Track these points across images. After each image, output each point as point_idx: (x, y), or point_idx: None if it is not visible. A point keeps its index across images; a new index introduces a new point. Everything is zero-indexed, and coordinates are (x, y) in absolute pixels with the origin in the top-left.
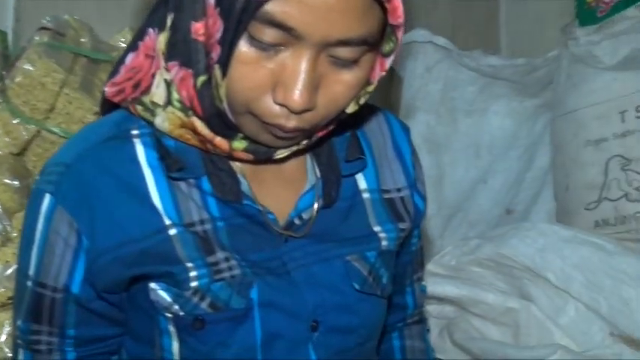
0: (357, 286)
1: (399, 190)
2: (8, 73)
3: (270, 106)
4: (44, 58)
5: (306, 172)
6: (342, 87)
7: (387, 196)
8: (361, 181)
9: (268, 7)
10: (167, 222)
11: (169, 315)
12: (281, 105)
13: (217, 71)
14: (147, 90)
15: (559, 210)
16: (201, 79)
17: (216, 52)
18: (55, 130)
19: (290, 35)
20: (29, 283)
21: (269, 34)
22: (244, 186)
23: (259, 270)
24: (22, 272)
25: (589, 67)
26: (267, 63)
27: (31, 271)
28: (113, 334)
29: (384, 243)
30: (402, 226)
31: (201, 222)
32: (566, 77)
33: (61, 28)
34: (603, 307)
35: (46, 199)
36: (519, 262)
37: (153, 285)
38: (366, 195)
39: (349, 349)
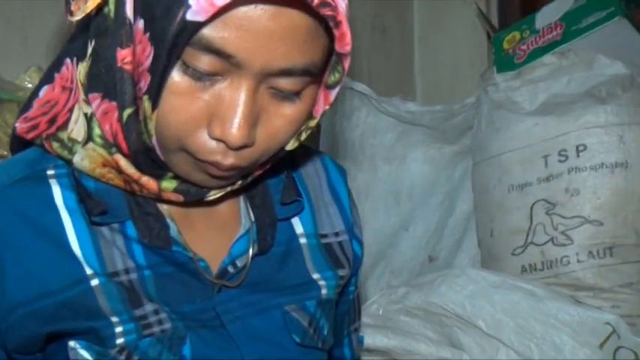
0: (297, 339)
1: (336, 234)
2: None
3: (205, 142)
4: None
5: (239, 216)
6: (283, 121)
7: (324, 241)
8: (298, 225)
9: (205, 32)
10: (88, 271)
11: None
12: (218, 140)
13: (146, 103)
14: (64, 125)
15: (484, 255)
16: (128, 111)
17: (145, 82)
18: None
19: (228, 63)
20: None
21: (205, 62)
22: (173, 231)
23: (191, 323)
24: None
25: (510, 113)
26: (202, 94)
27: None
28: None
29: (323, 291)
30: (341, 273)
31: (126, 271)
32: (488, 123)
33: None
34: (535, 354)
35: None
36: (449, 310)
37: (72, 343)
38: (303, 240)
39: None
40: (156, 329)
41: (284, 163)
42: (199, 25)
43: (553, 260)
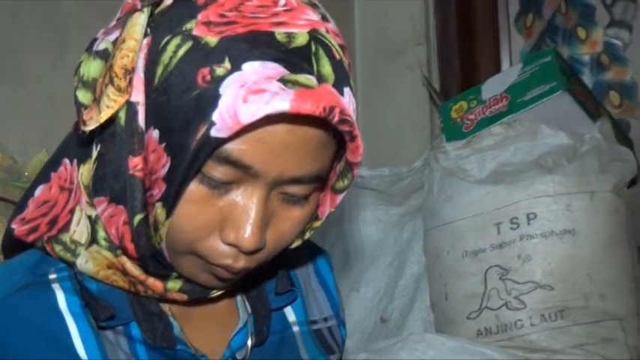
0: None
1: (325, 319)
2: None
3: (217, 246)
4: None
5: (236, 308)
6: (291, 224)
7: (315, 327)
8: (290, 313)
9: (225, 145)
10: None
11: None
12: (231, 245)
13: (160, 210)
14: (65, 227)
15: (439, 319)
16: (139, 217)
17: (159, 190)
18: None
19: (245, 173)
20: None
21: (222, 172)
22: (177, 330)
23: None
24: None
25: (461, 181)
26: (216, 201)
27: None
28: None
29: None
30: (333, 358)
31: None
32: (439, 190)
33: None
34: None
35: None
36: None
37: None
38: (295, 328)
39: None
40: None
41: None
42: (222, 141)
43: (507, 324)
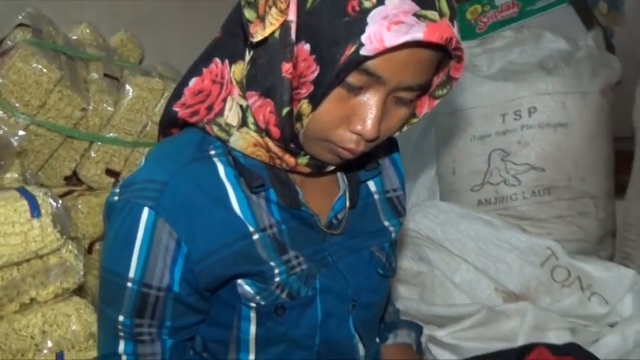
0: (380, 272)
1: (395, 190)
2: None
3: (345, 135)
4: (37, 56)
5: (337, 181)
6: (397, 120)
7: (388, 195)
8: (371, 185)
9: (367, 61)
10: (251, 229)
11: (252, 304)
12: (356, 133)
13: (305, 105)
14: (220, 113)
15: (445, 189)
16: (286, 109)
17: (307, 90)
18: (45, 124)
19: (374, 81)
20: (130, 285)
21: (359, 80)
22: (301, 195)
23: (316, 263)
24: (118, 274)
25: (474, 75)
26: (349, 101)
27: (133, 274)
28: (197, 322)
29: (393, 235)
30: (401, 220)
31: (271, 226)
32: None
33: (37, 24)
34: (490, 270)
35: (145, 212)
36: (422, 234)
37: (240, 281)
38: (376, 196)
39: (371, 320)
40: (297, 270)
41: None
42: (366, 58)
43: (504, 197)
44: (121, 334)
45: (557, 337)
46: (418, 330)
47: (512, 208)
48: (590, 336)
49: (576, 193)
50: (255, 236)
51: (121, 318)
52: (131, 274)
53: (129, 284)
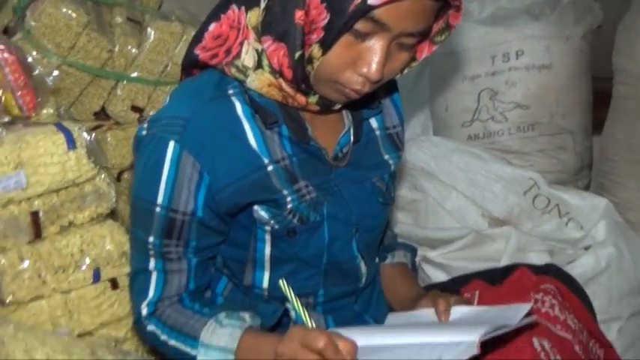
0: (381, 200)
1: (394, 127)
2: (32, 13)
3: (352, 77)
4: (66, 2)
5: (342, 118)
6: (399, 63)
7: (389, 132)
8: (373, 122)
9: (374, 10)
10: (265, 161)
11: (267, 228)
12: (362, 76)
13: (316, 49)
14: (237, 55)
15: (438, 125)
16: (299, 53)
17: (318, 35)
18: (75, 64)
19: (380, 28)
20: (159, 209)
21: (365, 27)
22: (310, 131)
23: (323, 192)
24: (148, 201)
25: (466, 20)
26: (356, 45)
27: (161, 201)
28: (219, 242)
29: (392, 167)
30: (400, 154)
31: (283, 159)
32: None
33: None
34: (478, 198)
35: (171, 145)
36: (417, 166)
37: (256, 207)
38: (377, 132)
39: (372, 242)
40: (307, 197)
41: None
42: (373, 7)
43: (492, 132)
44: (151, 252)
45: (538, 258)
46: (413, 251)
47: (498, 143)
48: (567, 257)
49: (557, 129)
50: (270, 167)
51: (151, 239)
52: (159, 200)
53: (157, 209)
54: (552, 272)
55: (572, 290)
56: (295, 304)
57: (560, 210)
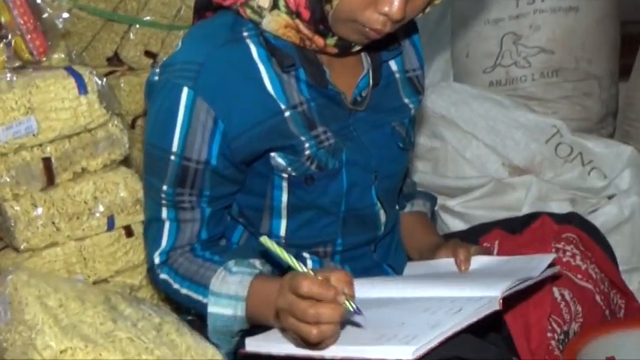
0: (400, 145)
1: (414, 70)
2: None
3: (372, 15)
4: None
5: (361, 61)
6: (421, 2)
7: (408, 75)
8: (392, 65)
9: None
10: (282, 106)
11: (285, 175)
12: (383, 15)
13: None
14: None
15: (459, 71)
16: None
17: None
18: (86, 7)
19: None
20: (173, 157)
21: None
22: (328, 74)
23: (342, 137)
24: (162, 149)
25: None
26: None
27: (175, 149)
28: (233, 192)
29: (412, 111)
30: (420, 97)
31: (301, 104)
32: None
33: None
34: (499, 146)
35: (185, 92)
36: (437, 113)
37: (273, 154)
38: (397, 75)
39: (391, 190)
40: (326, 144)
41: None
42: None
43: (514, 78)
44: (164, 202)
45: (559, 207)
46: (433, 200)
47: (521, 89)
48: (589, 206)
49: (582, 74)
50: (287, 113)
51: (164, 187)
52: (173, 148)
53: (171, 157)
54: (575, 221)
55: (594, 240)
56: (281, 254)
57: (583, 158)
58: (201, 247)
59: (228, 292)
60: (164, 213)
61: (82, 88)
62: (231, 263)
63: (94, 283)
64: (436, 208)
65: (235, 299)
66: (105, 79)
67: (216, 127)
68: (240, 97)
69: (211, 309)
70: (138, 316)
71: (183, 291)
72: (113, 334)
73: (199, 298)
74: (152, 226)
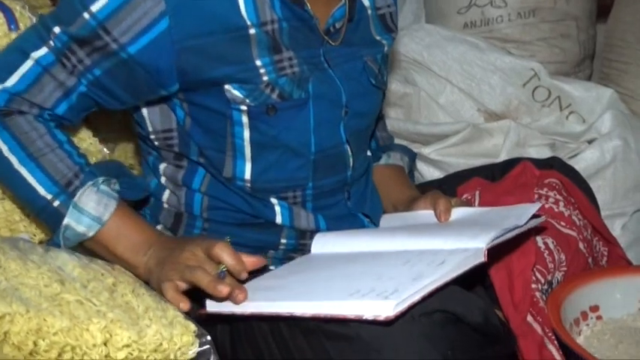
0: (372, 81)
1: (388, 7)
2: None
3: None
4: None
5: None
6: None
7: (380, 12)
8: (365, 1)
9: None
10: (248, 22)
11: (243, 107)
12: None
13: None
14: None
15: (431, 12)
16: None
17: None
18: None
19: None
20: (90, 19)
21: None
22: None
23: (310, 67)
24: (83, 4)
25: None
26: None
27: (99, 13)
28: (119, 99)
29: (385, 48)
30: (393, 35)
31: (272, 22)
32: None
33: None
34: (474, 91)
35: None
36: (409, 57)
37: (227, 86)
38: (369, 11)
39: (361, 130)
40: (288, 71)
41: None
42: None
43: (490, 19)
44: (50, 43)
45: (538, 152)
46: (411, 155)
47: (497, 31)
48: (569, 151)
49: (560, 14)
50: (252, 31)
51: (59, 30)
52: (96, 10)
53: (88, 18)
54: (556, 166)
55: (576, 185)
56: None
57: (561, 103)
58: (50, 118)
59: (90, 211)
60: (39, 52)
61: (13, 23)
62: (101, 179)
63: (40, 242)
64: None
65: (94, 220)
66: (39, 13)
67: (158, 21)
68: (203, 1)
69: (68, 220)
70: (89, 276)
71: (5, 154)
72: (59, 297)
73: (38, 188)
74: (12, 54)
